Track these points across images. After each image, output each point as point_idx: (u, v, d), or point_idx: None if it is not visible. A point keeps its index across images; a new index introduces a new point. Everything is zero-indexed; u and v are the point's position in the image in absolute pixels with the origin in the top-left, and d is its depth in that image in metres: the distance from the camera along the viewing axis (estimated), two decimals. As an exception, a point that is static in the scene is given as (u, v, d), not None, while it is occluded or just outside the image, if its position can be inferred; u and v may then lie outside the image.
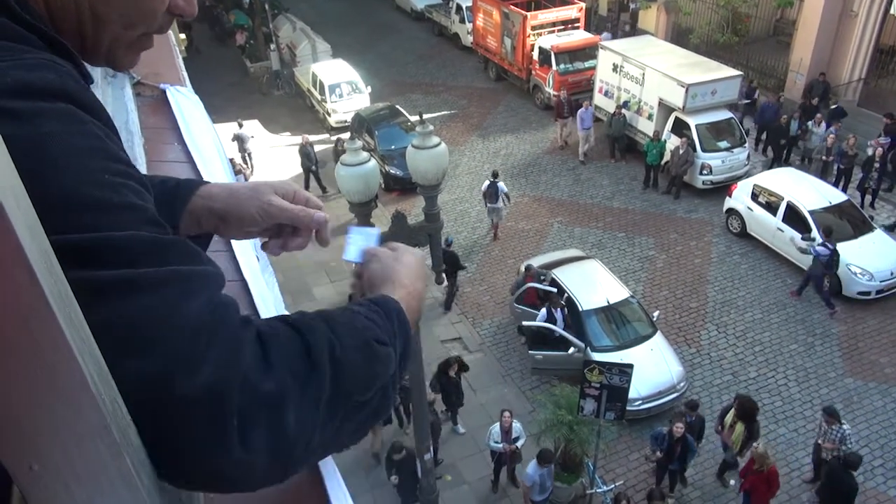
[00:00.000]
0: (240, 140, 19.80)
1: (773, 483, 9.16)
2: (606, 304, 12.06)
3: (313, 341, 0.88)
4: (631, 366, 9.15)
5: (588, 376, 9.12)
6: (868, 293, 13.63)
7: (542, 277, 12.76)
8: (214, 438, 0.76)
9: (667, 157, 17.40)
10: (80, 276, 0.66)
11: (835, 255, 13.14)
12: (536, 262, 13.82)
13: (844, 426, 9.83)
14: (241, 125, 19.90)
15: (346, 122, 20.77)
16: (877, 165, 15.91)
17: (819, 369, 12.44)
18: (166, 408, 0.74)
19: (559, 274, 12.79)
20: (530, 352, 11.94)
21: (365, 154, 6.85)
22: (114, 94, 2.52)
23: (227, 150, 17.86)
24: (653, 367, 11.20)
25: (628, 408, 9.83)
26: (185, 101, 2.44)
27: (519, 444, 10.05)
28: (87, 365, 0.55)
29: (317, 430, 0.86)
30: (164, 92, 2.61)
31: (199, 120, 2.04)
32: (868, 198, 16.42)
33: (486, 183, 16.18)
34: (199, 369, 0.75)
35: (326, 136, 21.90)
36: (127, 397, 0.69)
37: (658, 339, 11.94)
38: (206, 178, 1.78)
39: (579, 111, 18.90)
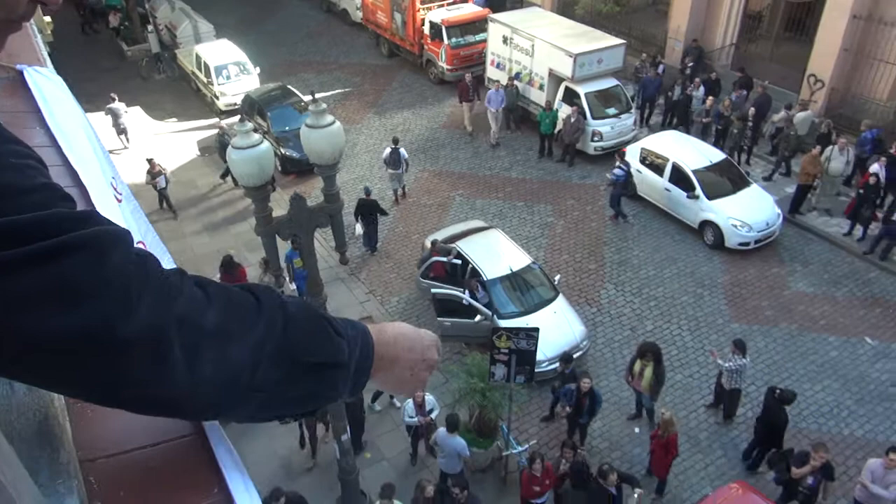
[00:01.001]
0: (113, 114, 18.82)
1: (670, 450, 9.72)
2: (510, 271, 12.37)
3: (264, 297, 1.02)
4: (537, 329, 9.46)
5: (497, 343, 9.37)
6: (747, 244, 14.68)
7: (448, 253, 12.90)
8: (161, 371, 0.87)
9: (559, 125, 17.92)
10: (6, 255, 0.76)
11: (629, 176, 15.44)
12: (440, 235, 13.96)
13: (746, 359, 10.60)
14: (113, 98, 18.93)
15: (235, 104, 20.04)
16: (750, 124, 17.04)
17: (708, 318, 13.32)
18: (113, 350, 0.83)
19: (463, 246, 12.98)
20: (438, 318, 12.11)
21: (257, 136, 6.66)
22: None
23: (104, 128, 16.70)
24: (557, 329, 11.62)
25: (537, 370, 10.18)
26: (45, 83, 2.28)
27: (433, 415, 10.22)
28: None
29: (260, 369, 0.96)
30: (20, 73, 2.43)
31: (62, 101, 1.91)
32: (744, 156, 17.57)
33: (388, 150, 16.17)
34: (136, 311, 0.84)
35: (216, 120, 21.06)
36: (78, 350, 0.80)
37: (560, 301, 12.39)
38: (74, 163, 1.71)
39: (489, 92, 18.75)
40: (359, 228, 15.24)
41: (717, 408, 11.36)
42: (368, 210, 14.89)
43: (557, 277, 13.16)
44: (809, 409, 11.44)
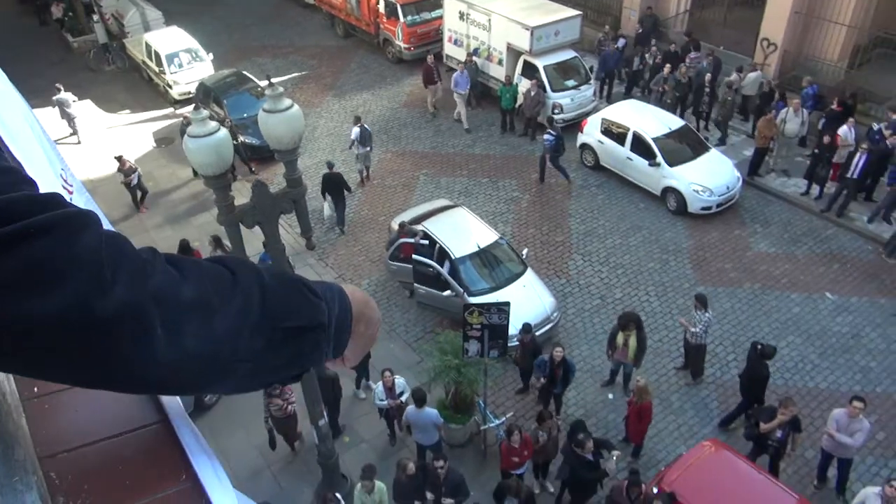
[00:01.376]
0: (61, 105, 18.29)
1: (644, 416, 9.91)
2: (477, 248, 12.41)
3: (238, 267, 1.02)
4: (508, 304, 9.52)
5: (469, 319, 9.41)
6: (709, 208, 14.93)
7: (416, 234, 12.87)
8: (144, 348, 0.86)
9: (520, 100, 17.91)
10: None
11: (558, 140, 15.72)
12: (406, 216, 13.91)
13: (708, 313, 10.82)
14: (59, 89, 18.40)
15: (190, 93, 19.60)
16: (707, 90, 17.24)
17: (675, 282, 13.55)
18: (93, 331, 0.82)
19: (429, 225, 12.96)
20: (415, 284, 12.29)
21: (213, 123, 6.53)
22: None
23: (53, 120, 16.14)
24: (527, 303, 11.71)
25: (510, 343, 10.27)
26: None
27: (403, 398, 10.21)
28: None
29: (242, 339, 0.97)
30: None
31: (2, 94, 1.83)
32: (702, 122, 17.80)
33: (357, 129, 16.00)
34: (112, 290, 0.83)
35: (171, 110, 20.59)
36: (56, 333, 0.79)
37: (529, 275, 12.48)
38: (18, 156, 1.64)
39: (454, 75, 18.44)
40: (327, 209, 15.21)
41: (687, 370, 11.62)
42: (335, 185, 14.86)
43: (525, 251, 13.24)
44: (775, 366, 11.71)
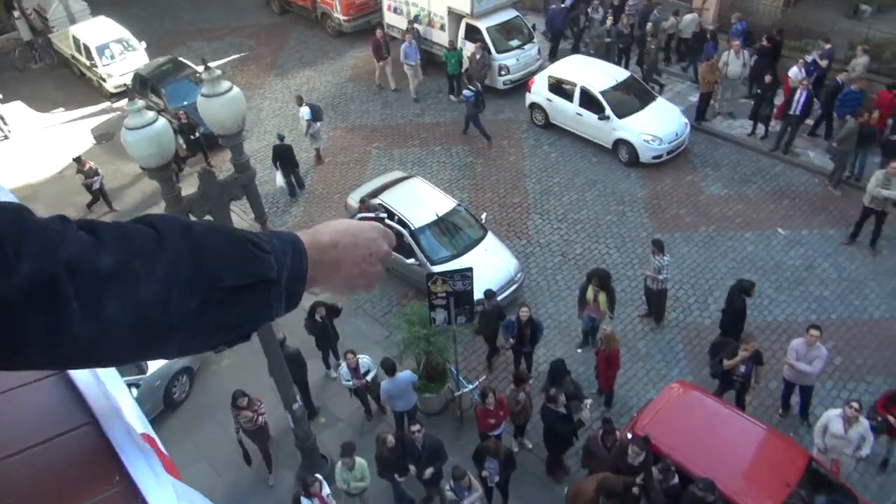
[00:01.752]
0: None
1: (612, 363, 10.10)
2: (436, 217, 12.38)
3: (164, 226, 0.95)
4: (470, 269, 9.55)
5: (433, 288, 9.42)
6: (660, 156, 15.12)
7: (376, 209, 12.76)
8: (63, 323, 0.82)
9: (465, 64, 17.74)
10: None
11: (478, 96, 15.94)
12: (362, 191, 13.78)
13: (665, 257, 11.02)
14: None
15: (126, 85, 18.90)
16: (649, 39, 17.32)
17: (632, 233, 13.75)
18: (4, 312, 0.78)
19: (386, 198, 12.88)
20: None
21: (151, 113, 6.35)
22: None
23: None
24: (490, 266, 11.77)
25: (476, 308, 10.33)
26: None
27: (369, 377, 10.17)
28: None
29: (172, 303, 0.91)
30: None
31: None
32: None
33: (307, 109, 15.74)
34: (17, 267, 0.79)
35: (107, 104, 19.88)
36: None
37: (490, 238, 12.52)
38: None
39: (402, 46, 17.83)
40: (279, 179, 15.18)
41: (651, 317, 11.86)
42: (286, 156, 14.96)
43: (484, 216, 13.26)
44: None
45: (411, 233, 12.18)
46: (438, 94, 18.66)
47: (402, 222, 12.32)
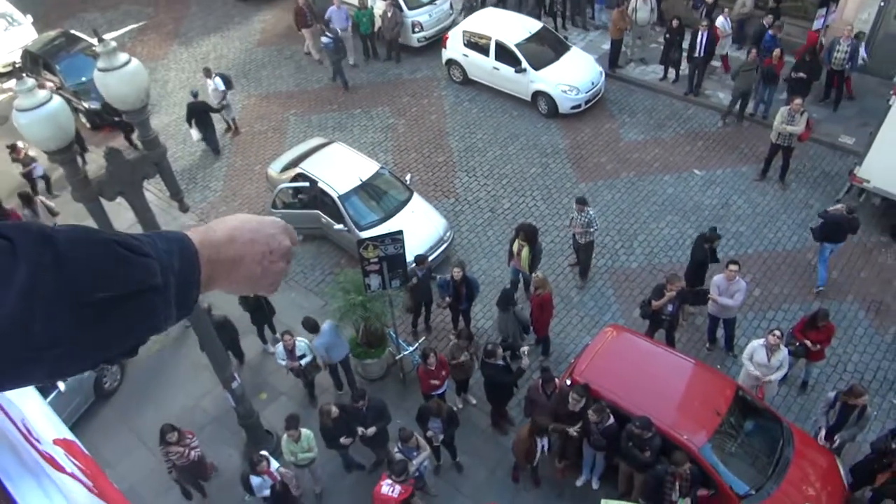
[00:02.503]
0: None
1: (545, 308, 10.25)
2: (360, 182, 12.17)
3: (18, 235, 0.84)
4: (400, 232, 9.46)
5: (365, 254, 9.31)
6: (578, 106, 15.29)
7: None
8: None
9: (378, 23, 17.31)
10: None
11: (336, 42, 16.31)
12: (282, 161, 13.38)
13: (590, 211, 11.21)
14: None
15: (15, 63, 17.56)
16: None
17: (557, 183, 13.94)
18: None
19: (307, 166, 12.55)
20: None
21: (44, 92, 5.89)
22: None
23: None
24: (420, 228, 11.71)
25: (411, 278, 10.31)
26: None
27: (304, 362, 9.92)
28: None
29: (36, 321, 0.81)
30: None
31: None
32: (559, 21, 17.96)
33: (218, 80, 15.07)
34: None
35: (-4, 85, 18.44)
36: None
37: (417, 200, 12.43)
38: None
39: (329, 10, 16.83)
40: (195, 134, 14.99)
41: (577, 266, 12.09)
42: (202, 112, 14.89)
43: (409, 177, 13.13)
44: (659, 246, 12.50)
45: (336, 199, 11.95)
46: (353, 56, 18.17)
47: (324, 190, 12.07)
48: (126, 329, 0.92)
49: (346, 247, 12.24)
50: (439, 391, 9.60)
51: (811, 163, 13.86)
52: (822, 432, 8.69)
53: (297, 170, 12.57)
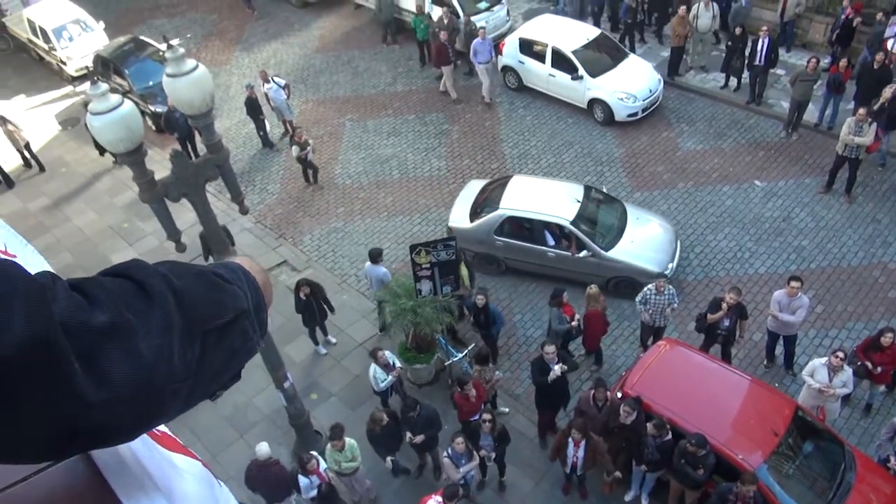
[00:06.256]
0: None
1: (595, 323, 10.06)
2: (578, 203, 11.67)
3: (142, 277, 0.89)
4: (453, 238, 9.49)
5: (417, 260, 9.37)
6: (636, 114, 15.05)
7: None
8: (63, 387, 0.75)
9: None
10: None
11: None
12: (461, 211, 12.35)
13: (671, 287, 10.18)
14: None
15: (87, 67, 18.35)
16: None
17: (612, 192, 13.67)
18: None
19: (510, 205, 11.73)
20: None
21: (116, 96, 6.13)
22: None
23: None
24: (653, 233, 11.77)
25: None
26: None
27: (398, 365, 9.82)
28: None
29: (175, 355, 0.86)
30: None
31: None
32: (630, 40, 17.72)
33: (272, 87, 15.40)
34: (9, 326, 0.72)
35: (70, 88, 19.29)
36: None
37: (631, 208, 12.21)
38: None
39: (474, 43, 15.69)
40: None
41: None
42: (254, 107, 15.38)
43: (604, 188, 13.01)
44: (717, 258, 12.19)
45: (569, 224, 11.33)
46: (409, 62, 18.35)
47: (547, 223, 11.51)
48: (232, 354, 0.98)
49: (566, 275, 11.57)
50: (475, 417, 9.29)
51: (879, 175, 13.30)
52: (894, 460, 8.24)
53: (501, 211, 11.65)
